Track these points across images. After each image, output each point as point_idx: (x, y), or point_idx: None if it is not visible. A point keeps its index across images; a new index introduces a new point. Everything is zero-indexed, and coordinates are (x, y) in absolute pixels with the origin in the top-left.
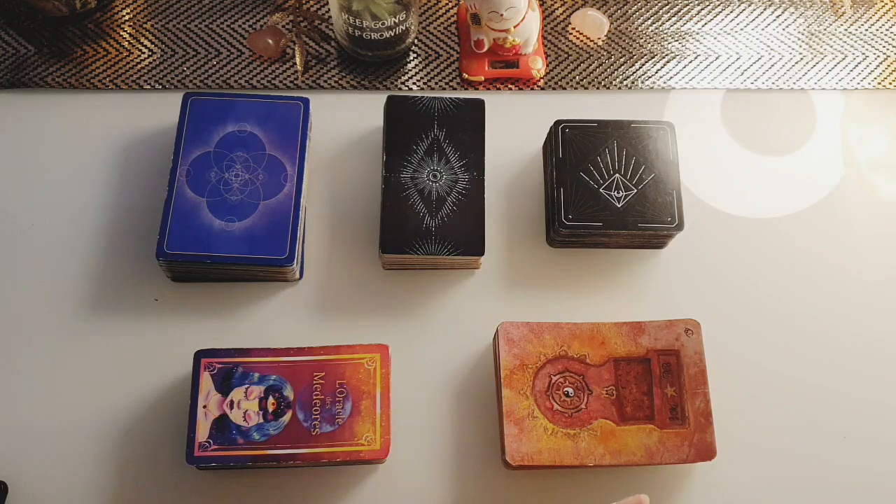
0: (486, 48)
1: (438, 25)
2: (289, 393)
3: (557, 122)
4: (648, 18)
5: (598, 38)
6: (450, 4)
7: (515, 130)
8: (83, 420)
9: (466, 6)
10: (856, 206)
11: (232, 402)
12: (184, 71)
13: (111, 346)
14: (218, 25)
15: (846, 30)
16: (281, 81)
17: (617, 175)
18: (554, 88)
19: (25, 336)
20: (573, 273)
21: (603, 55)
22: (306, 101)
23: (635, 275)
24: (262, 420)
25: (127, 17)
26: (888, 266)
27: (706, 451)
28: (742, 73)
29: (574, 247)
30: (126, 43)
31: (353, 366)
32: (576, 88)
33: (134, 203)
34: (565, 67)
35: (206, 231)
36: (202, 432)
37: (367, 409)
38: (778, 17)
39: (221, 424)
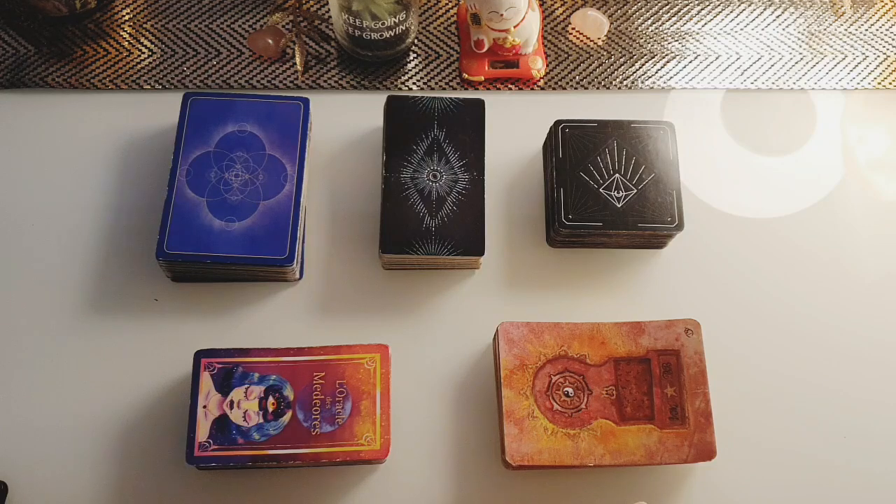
0: (486, 48)
1: (438, 25)
2: (289, 393)
3: (557, 122)
4: (648, 18)
5: (598, 38)
6: (450, 4)
7: (515, 130)
8: (83, 420)
9: (466, 6)
10: (856, 206)
11: (232, 402)
12: (184, 71)
13: (111, 346)
14: (218, 25)
15: (846, 30)
16: (281, 81)
17: (617, 175)
18: (554, 88)
19: (25, 336)
20: (573, 273)
21: (603, 55)
22: (306, 101)
23: (635, 275)
24: (262, 420)
25: (127, 17)
26: (888, 266)
27: (706, 451)
28: (742, 73)
29: (574, 247)
30: (126, 43)
31: (353, 366)
32: (576, 88)
33: (134, 203)
34: (565, 67)
35: (206, 231)
36: (202, 432)
37: (367, 409)
38: (778, 17)
39: (221, 424)
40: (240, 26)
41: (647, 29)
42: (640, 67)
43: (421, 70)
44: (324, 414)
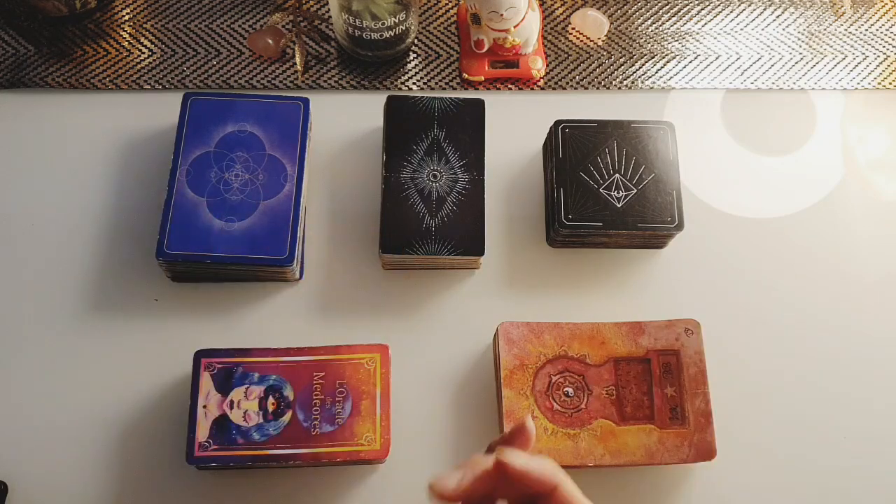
0: (486, 48)
1: (438, 25)
2: (289, 393)
3: (557, 122)
4: (648, 18)
5: (598, 38)
6: (450, 4)
7: (515, 130)
8: (83, 420)
9: (466, 6)
10: (856, 206)
11: (232, 402)
12: (184, 71)
13: (111, 346)
14: (218, 25)
15: (846, 30)
16: (281, 81)
17: (617, 175)
18: (554, 88)
19: (25, 336)
20: (573, 273)
21: (603, 55)
22: (306, 101)
23: (635, 275)
24: (262, 420)
25: (127, 17)
26: (888, 266)
27: (706, 451)
28: (742, 73)
29: (574, 247)
30: (126, 43)
31: (353, 366)
32: (576, 88)
33: (134, 203)
34: (565, 67)
35: (206, 231)
36: (202, 432)
37: (367, 409)
38: (778, 17)
39: (221, 424)
40: (240, 26)
41: (647, 29)
42: (640, 67)
43: (421, 70)
44: (324, 414)
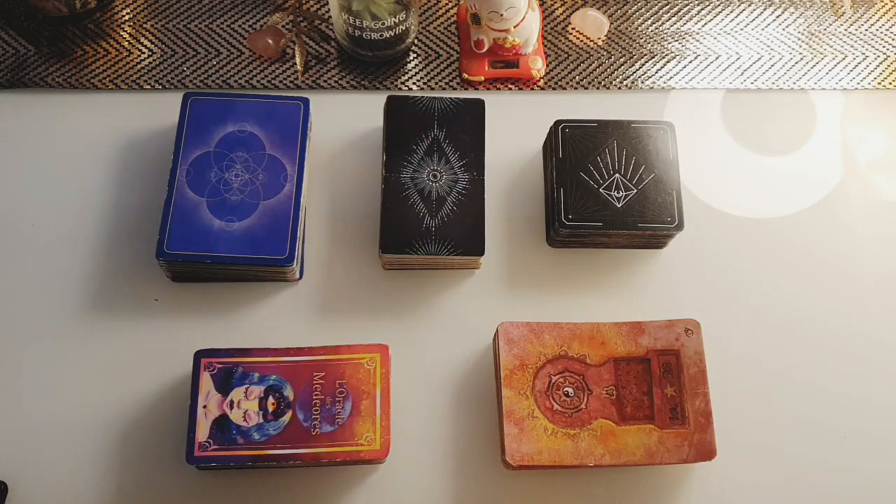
0: (486, 48)
1: (438, 25)
2: (289, 393)
3: (557, 122)
4: (648, 18)
5: (598, 38)
6: (450, 4)
7: (515, 130)
8: (83, 420)
9: (466, 6)
10: (856, 206)
11: (232, 402)
12: (184, 71)
13: (111, 346)
14: (218, 25)
15: (846, 30)
16: (281, 81)
17: (617, 175)
18: (554, 88)
19: (25, 336)
20: (573, 273)
21: (603, 55)
22: (306, 101)
23: (635, 275)
24: (262, 420)
25: (127, 17)
26: (888, 266)
27: (706, 451)
28: (742, 73)
29: (574, 247)
30: (126, 43)
31: (353, 366)
32: (576, 88)
33: (134, 203)
34: (565, 67)
35: (206, 231)
36: (202, 432)
37: (367, 409)
38: (778, 17)
39: (221, 424)
40: (240, 26)
41: (647, 29)
42: (640, 67)
43: (421, 70)
44: (324, 414)
